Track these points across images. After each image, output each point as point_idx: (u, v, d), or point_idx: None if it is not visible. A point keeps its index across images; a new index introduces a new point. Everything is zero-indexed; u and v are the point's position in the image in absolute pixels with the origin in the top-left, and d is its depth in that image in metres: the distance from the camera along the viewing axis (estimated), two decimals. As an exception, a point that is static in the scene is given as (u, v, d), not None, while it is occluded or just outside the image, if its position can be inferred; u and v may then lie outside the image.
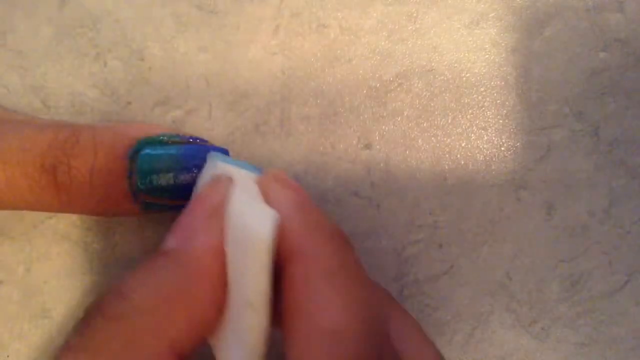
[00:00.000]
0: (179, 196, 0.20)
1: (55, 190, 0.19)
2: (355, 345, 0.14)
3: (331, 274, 0.15)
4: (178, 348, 0.15)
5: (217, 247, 0.16)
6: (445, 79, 0.25)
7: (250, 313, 0.16)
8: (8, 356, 0.23)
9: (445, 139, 0.24)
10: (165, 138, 0.20)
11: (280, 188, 0.18)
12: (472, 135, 0.25)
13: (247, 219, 0.16)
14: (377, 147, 0.24)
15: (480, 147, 0.25)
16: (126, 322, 0.15)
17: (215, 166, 0.19)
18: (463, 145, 0.24)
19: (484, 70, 0.25)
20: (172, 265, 0.16)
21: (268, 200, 0.17)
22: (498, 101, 0.25)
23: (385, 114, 0.24)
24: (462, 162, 0.24)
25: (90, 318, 0.15)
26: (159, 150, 0.20)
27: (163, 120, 0.24)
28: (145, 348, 0.15)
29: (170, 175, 0.20)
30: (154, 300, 0.15)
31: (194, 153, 0.20)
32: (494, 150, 0.25)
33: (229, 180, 0.18)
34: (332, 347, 0.14)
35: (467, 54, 0.25)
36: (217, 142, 0.24)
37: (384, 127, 0.24)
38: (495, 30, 0.25)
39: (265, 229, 0.16)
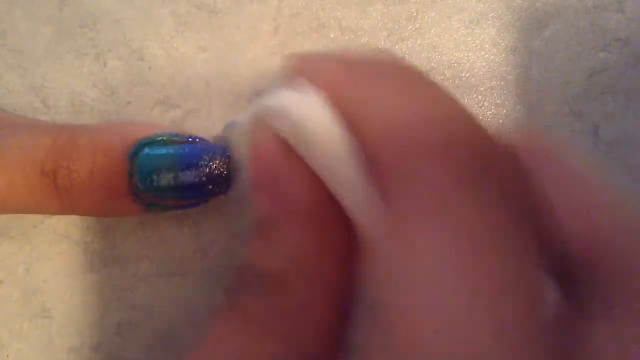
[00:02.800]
0: (180, 196, 0.20)
1: (57, 194, 0.19)
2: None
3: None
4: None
5: (308, 176, 0.14)
6: (445, 79, 0.25)
7: (331, 176, 0.14)
8: (8, 356, 0.23)
9: (445, 139, 0.24)
10: (165, 138, 0.20)
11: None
12: (472, 135, 0.25)
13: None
14: (377, 147, 0.24)
15: (480, 147, 0.25)
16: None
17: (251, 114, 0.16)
18: (463, 145, 0.24)
19: (484, 70, 0.25)
20: (290, 222, 0.14)
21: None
22: (498, 101, 0.25)
23: (385, 114, 0.24)
24: (462, 162, 0.24)
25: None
26: (159, 151, 0.20)
27: (163, 120, 0.24)
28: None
29: (171, 175, 0.20)
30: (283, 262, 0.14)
31: (194, 152, 0.20)
32: (494, 150, 0.25)
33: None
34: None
35: (467, 54, 0.25)
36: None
37: (384, 127, 0.24)
38: (495, 30, 0.25)
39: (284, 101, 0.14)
